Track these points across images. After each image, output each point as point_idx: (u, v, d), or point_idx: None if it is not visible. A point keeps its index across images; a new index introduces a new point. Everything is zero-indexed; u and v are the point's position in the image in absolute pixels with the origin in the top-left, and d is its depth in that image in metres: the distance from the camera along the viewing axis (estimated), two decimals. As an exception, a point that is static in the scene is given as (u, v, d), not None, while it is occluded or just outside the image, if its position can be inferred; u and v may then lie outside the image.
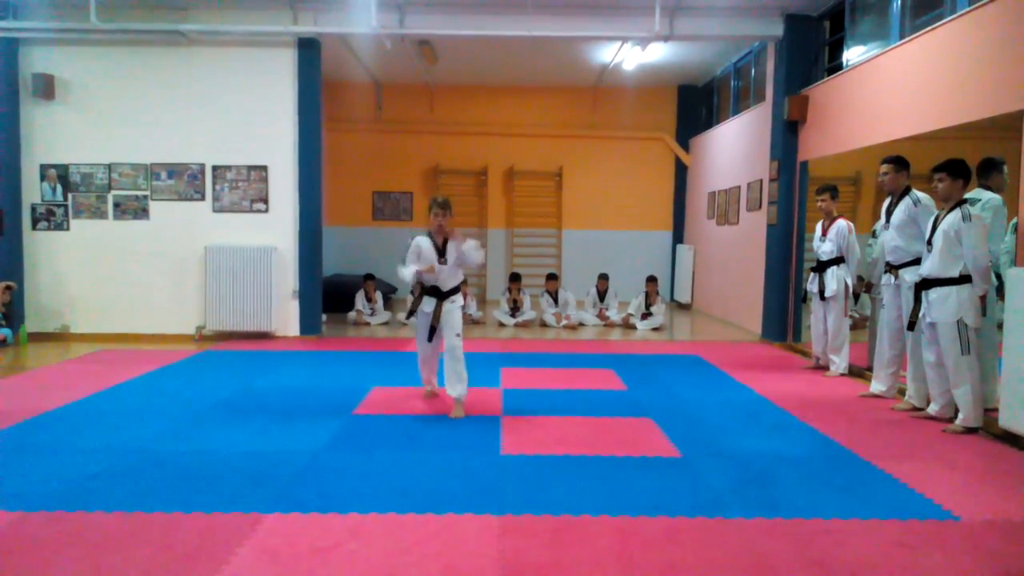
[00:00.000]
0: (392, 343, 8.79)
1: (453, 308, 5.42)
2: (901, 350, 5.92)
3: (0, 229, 8.48)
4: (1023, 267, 4.88)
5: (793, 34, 8.68)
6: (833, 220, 6.98)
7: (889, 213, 5.79)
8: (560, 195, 13.53)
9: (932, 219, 5.26)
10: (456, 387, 5.37)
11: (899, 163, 5.78)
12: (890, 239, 5.77)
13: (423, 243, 5.38)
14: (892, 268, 5.80)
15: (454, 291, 5.47)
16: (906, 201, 5.67)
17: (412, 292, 5.68)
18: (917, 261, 5.57)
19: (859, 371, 6.87)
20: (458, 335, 5.40)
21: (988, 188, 5.33)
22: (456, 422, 5.18)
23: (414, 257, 5.34)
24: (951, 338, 5.00)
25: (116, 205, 8.83)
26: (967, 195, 5.19)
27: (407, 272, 5.31)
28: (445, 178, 13.40)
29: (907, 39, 6.60)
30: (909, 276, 5.62)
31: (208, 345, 8.43)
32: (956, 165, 5.07)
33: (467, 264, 5.52)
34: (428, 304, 5.43)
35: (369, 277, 10.54)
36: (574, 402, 5.79)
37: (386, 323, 10.31)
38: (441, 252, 5.37)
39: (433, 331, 5.43)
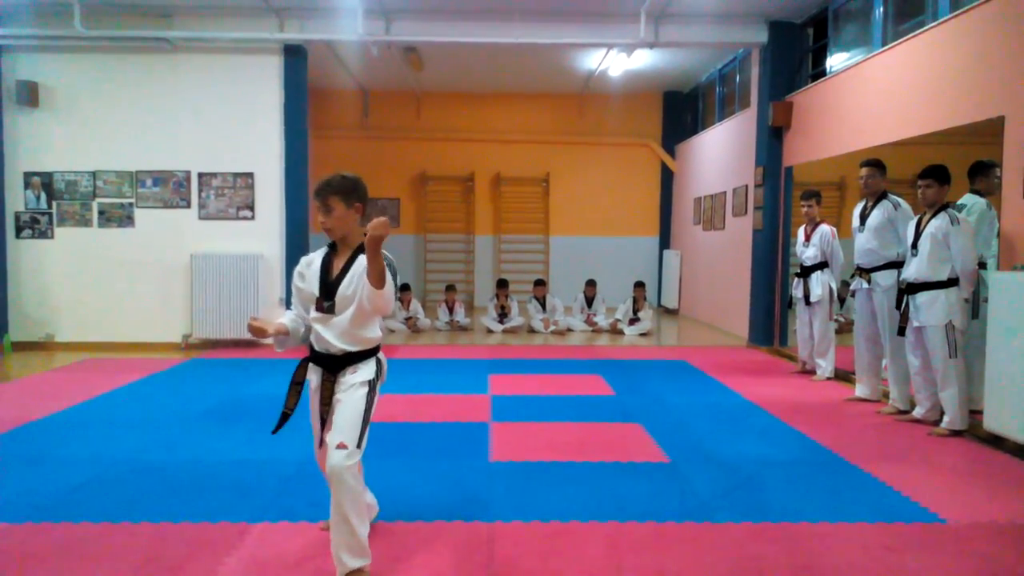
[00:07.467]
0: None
1: (353, 389, 2.90)
2: (879, 353, 5.97)
3: (-17, 237, 8.42)
4: (1006, 271, 4.93)
5: (777, 41, 8.77)
6: (816, 225, 7.03)
7: (864, 217, 5.85)
8: (547, 201, 13.56)
9: (913, 223, 5.31)
10: (343, 557, 2.81)
11: (879, 167, 5.84)
12: (864, 242, 5.81)
13: (311, 266, 3.11)
14: (863, 272, 5.85)
15: (363, 355, 2.96)
16: (885, 204, 5.72)
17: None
18: (890, 265, 5.63)
19: (845, 375, 6.91)
20: (342, 446, 2.77)
21: (977, 192, 5.37)
22: (445, 428, 5.15)
23: (296, 292, 3.11)
24: (940, 341, 5.03)
25: (101, 213, 8.77)
26: (958, 202, 5.24)
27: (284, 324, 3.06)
28: (432, 184, 13.40)
29: (889, 46, 6.67)
30: (884, 280, 5.67)
31: (195, 353, 8.38)
32: (941, 171, 5.13)
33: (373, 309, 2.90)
34: (311, 374, 3.03)
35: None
36: (562, 408, 5.79)
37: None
38: (329, 287, 2.96)
39: (324, 421, 2.98)
